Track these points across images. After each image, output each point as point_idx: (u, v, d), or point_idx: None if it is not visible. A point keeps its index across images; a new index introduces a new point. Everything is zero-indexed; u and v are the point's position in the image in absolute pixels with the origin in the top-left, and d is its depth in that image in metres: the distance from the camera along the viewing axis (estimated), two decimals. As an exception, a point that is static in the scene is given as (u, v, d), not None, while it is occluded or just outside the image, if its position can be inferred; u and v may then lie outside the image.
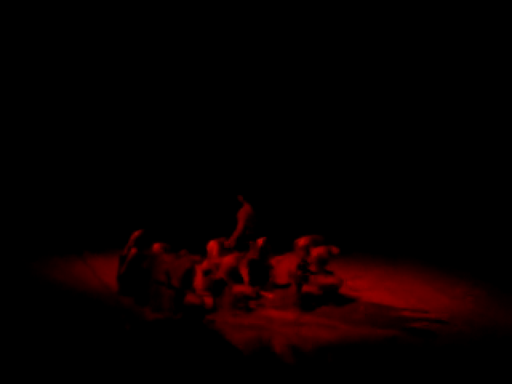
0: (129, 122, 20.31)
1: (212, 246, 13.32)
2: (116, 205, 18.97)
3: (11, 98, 19.64)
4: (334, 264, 13.41)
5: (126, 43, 20.06)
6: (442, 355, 10.38)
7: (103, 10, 19.74)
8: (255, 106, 20.78)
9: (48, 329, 10.94)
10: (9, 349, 10.12)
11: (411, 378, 9.66)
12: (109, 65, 20.08)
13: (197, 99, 20.64)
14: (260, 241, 13.38)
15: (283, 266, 12.36)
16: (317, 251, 12.74)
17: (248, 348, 10.54)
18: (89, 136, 20.11)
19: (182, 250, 12.54)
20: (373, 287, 13.94)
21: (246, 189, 14.12)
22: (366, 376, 9.66)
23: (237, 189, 13.83)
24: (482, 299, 13.33)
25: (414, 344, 10.82)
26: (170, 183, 19.74)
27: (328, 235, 13.79)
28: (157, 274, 12.10)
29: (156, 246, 12.75)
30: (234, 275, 12.36)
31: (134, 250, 12.77)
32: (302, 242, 12.95)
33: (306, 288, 12.42)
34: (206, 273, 12.74)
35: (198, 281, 12.69)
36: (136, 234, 13.05)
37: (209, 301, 12.19)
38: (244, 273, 12.65)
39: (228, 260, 12.39)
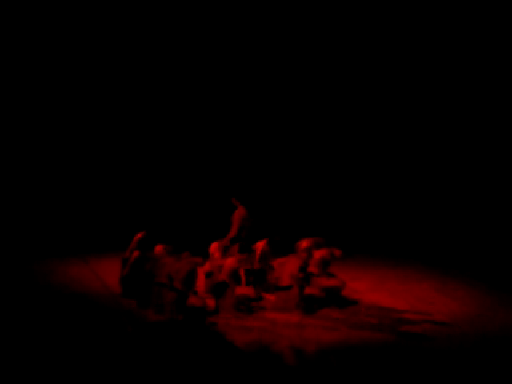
0: (131, 123, 20.30)
1: (214, 247, 13.33)
2: (118, 207, 18.97)
3: (11, 97, 19.61)
4: (336, 266, 13.42)
5: (126, 43, 20.04)
6: (443, 356, 10.40)
7: (103, 10, 19.72)
8: (255, 108, 20.78)
9: (50, 331, 10.94)
10: (10, 351, 10.12)
11: (413, 380, 9.67)
12: (109, 65, 20.06)
13: (196, 102, 20.64)
14: (261, 243, 13.41)
15: (285, 269, 12.38)
16: (320, 253, 12.74)
17: (250, 350, 10.54)
18: (90, 138, 20.09)
19: (184, 252, 12.56)
20: (374, 289, 13.97)
21: (246, 191, 14.15)
22: (368, 378, 9.67)
23: (234, 191, 13.81)
24: (482, 300, 13.34)
25: (415, 345, 10.82)
26: (171, 185, 19.73)
27: (329, 237, 13.80)
28: (159, 276, 12.10)
29: (158, 248, 12.75)
30: (236, 277, 12.38)
31: (136, 253, 12.78)
32: (304, 244, 12.94)
33: (308, 290, 12.44)
34: (208, 275, 12.76)
35: (201, 283, 12.72)
36: (138, 236, 13.07)
37: (211, 303, 12.21)
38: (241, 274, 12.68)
39: (230, 262, 12.40)
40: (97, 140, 20.11)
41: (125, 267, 12.89)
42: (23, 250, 16.03)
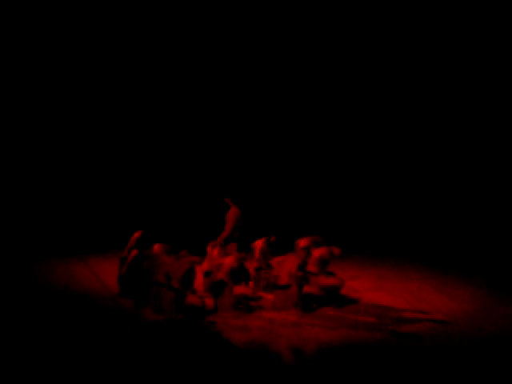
0: (129, 124, 20.28)
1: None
2: (117, 207, 18.96)
3: (11, 98, 19.59)
4: (334, 265, 13.40)
5: (126, 43, 20.01)
6: (442, 355, 10.38)
7: (103, 9, 19.69)
8: (252, 107, 20.76)
9: (49, 330, 10.92)
10: (10, 350, 10.10)
11: (412, 379, 9.66)
12: (109, 65, 20.04)
13: (194, 103, 20.63)
14: (259, 242, 13.39)
15: (284, 267, 12.36)
16: (319, 252, 12.72)
17: (249, 349, 10.52)
18: (89, 138, 20.07)
19: (182, 251, 12.53)
20: (373, 288, 13.94)
21: (244, 191, 14.14)
22: (367, 377, 9.66)
23: (227, 191, 13.78)
24: (482, 299, 13.34)
25: (414, 344, 10.81)
26: (169, 184, 19.71)
27: (328, 236, 13.78)
28: (157, 275, 12.08)
29: (156, 247, 12.73)
30: (235, 276, 12.35)
31: (134, 252, 12.75)
32: (302, 243, 12.93)
33: (307, 289, 12.42)
34: (207, 274, 12.73)
35: (199, 282, 12.69)
36: (136, 235, 13.03)
37: (209, 302, 12.18)
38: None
39: (229, 261, 12.38)
40: (97, 140, 20.09)
41: (123, 266, 12.86)
42: (23, 250, 16.01)
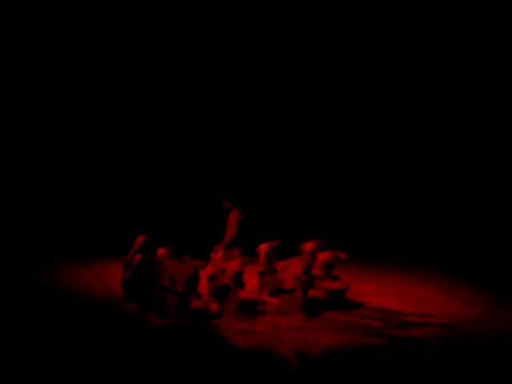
0: (134, 127, 20.29)
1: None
2: (121, 211, 18.96)
3: (12, 99, 19.59)
4: (340, 269, 13.36)
5: (126, 43, 20.01)
6: (448, 359, 10.33)
7: (103, 9, 19.70)
8: (256, 109, 20.75)
9: (53, 334, 10.90)
10: (13, 353, 10.08)
11: (417, 382, 9.61)
12: (109, 65, 20.03)
13: (197, 106, 20.63)
14: (264, 246, 13.35)
15: (289, 271, 12.31)
16: (324, 256, 12.68)
17: (253, 353, 10.48)
18: (94, 142, 20.09)
19: (186, 255, 12.50)
20: (378, 292, 13.90)
21: (248, 194, 14.10)
22: (372, 381, 9.60)
23: (226, 194, 13.70)
24: (487, 302, 13.29)
25: (420, 348, 10.76)
26: (173, 189, 19.71)
27: (333, 240, 13.74)
28: (161, 279, 12.05)
29: (161, 251, 12.70)
30: (239, 280, 12.31)
31: (138, 256, 12.73)
32: (308, 246, 12.89)
33: (311, 293, 12.36)
34: (211, 278, 12.69)
35: (203, 286, 12.65)
36: (140, 239, 13.02)
37: (214, 306, 12.14)
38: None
39: (233, 265, 12.34)
40: (101, 145, 20.11)
41: (127, 270, 12.84)
42: (27, 254, 16.02)
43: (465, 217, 19.30)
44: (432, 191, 20.24)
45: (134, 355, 10.15)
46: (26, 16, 19.33)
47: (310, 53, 20.57)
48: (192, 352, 10.38)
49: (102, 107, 20.17)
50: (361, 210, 19.95)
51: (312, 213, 19.60)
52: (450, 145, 20.36)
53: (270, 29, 20.27)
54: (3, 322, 11.43)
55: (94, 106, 20.15)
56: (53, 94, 19.83)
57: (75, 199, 19.37)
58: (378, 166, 20.74)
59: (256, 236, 13.88)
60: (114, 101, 20.20)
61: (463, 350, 10.70)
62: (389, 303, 13.10)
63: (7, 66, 19.41)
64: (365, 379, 9.63)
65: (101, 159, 20.08)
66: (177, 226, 17.44)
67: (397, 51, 20.29)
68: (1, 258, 15.66)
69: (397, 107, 20.61)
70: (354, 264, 15.33)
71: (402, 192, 20.20)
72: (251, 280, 13.46)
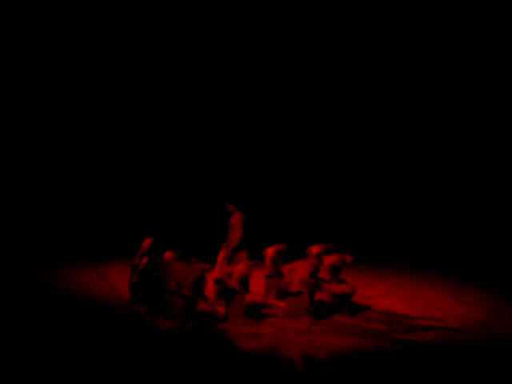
0: (141, 130, 20.33)
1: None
2: (127, 213, 18.99)
3: (12, 100, 19.62)
4: (346, 272, 13.35)
5: (126, 43, 20.03)
6: (456, 363, 10.30)
7: (103, 9, 19.73)
8: (263, 113, 20.77)
9: (59, 337, 10.92)
10: (19, 356, 10.10)
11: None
12: (109, 65, 20.05)
13: (205, 109, 20.65)
14: (271, 250, 13.35)
15: (295, 274, 12.30)
16: (330, 259, 12.67)
17: (260, 356, 10.47)
18: (101, 144, 20.13)
19: (192, 258, 12.51)
20: (385, 295, 13.88)
21: (255, 197, 14.09)
22: (379, 385, 9.61)
23: (227, 196, 13.69)
24: (495, 306, 13.25)
25: (427, 352, 10.73)
26: (180, 191, 19.74)
27: (340, 243, 13.73)
28: (168, 282, 12.06)
29: (168, 254, 12.71)
30: (246, 284, 12.31)
31: (145, 259, 12.75)
32: (314, 250, 12.88)
33: (318, 296, 12.36)
34: (218, 281, 12.70)
35: (210, 289, 12.66)
36: (147, 242, 13.03)
37: (221, 309, 12.15)
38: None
39: (240, 268, 12.34)
40: (108, 147, 20.14)
41: (134, 274, 12.86)
42: (33, 257, 16.05)
43: (473, 221, 19.27)
44: (440, 195, 20.22)
45: (141, 358, 10.16)
46: (26, 16, 19.35)
47: (310, 53, 20.57)
48: (199, 355, 10.38)
49: (110, 111, 20.21)
50: (368, 213, 19.93)
51: (319, 216, 19.59)
52: (459, 148, 20.34)
53: (270, 29, 20.27)
54: (10, 324, 11.46)
55: (102, 109, 20.19)
56: (55, 96, 19.86)
57: (83, 202, 19.40)
58: (386, 169, 20.73)
59: (263, 239, 13.88)
60: (123, 105, 20.24)
61: (471, 353, 10.66)
62: (396, 306, 13.08)
63: (7, 66, 19.42)
64: (372, 383, 9.62)
65: (108, 162, 20.11)
66: (183, 229, 17.45)
67: (397, 51, 20.28)
68: (9, 260, 15.70)
69: (405, 110, 20.61)
70: (361, 267, 15.33)
71: (410, 195, 20.18)
72: (258, 283, 13.48)
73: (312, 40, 20.41)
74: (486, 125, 20.05)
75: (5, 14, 19.10)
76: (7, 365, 9.75)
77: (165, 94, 20.38)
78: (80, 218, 18.89)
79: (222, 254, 13.21)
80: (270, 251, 13.32)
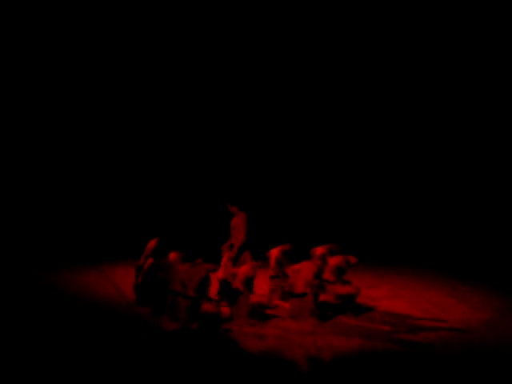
0: (144, 131, 20.35)
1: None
2: (132, 214, 19.01)
3: (12, 100, 19.64)
4: (351, 273, 13.36)
5: (126, 43, 20.04)
6: (460, 364, 10.30)
7: (103, 9, 19.74)
8: (267, 115, 20.78)
9: (64, 338, 10.94)
10: (23, 357, 10.12)
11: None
12: (109, 65, 20.06)
13: (208, 109, 20.65)
14: (275, 251, 13.37)
15: (300, 276, 12.32)
16: (335, 260, 12.68)
17: (264, 357, 10.49)
18: (105, 145, 20.16)
19: (197, 258, 12.52)
20: (389, 296, 13.89)
21: (259, 198, 14.09)
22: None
23: (229, 197, 13.70)
24: (498, 307, 13.26)
25: (431, 353, 10.74)
26: (185, 192, 19.76)
27: (344, 244, 13.74)
28: (173, 283, 12.08)
29: (173, 255, 12.73)
30: (250, 285, 12.33)
31: (150, 260, 12.76)
32: (318, 251, 12.90)
33: (322, 297, 12.38)
34: (222, 282, 12.70)
35: (214, 290, 12.68)
36: (152, 243, 13.05)
37: (225, 310, 12.17)
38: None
39: (244, 269, 12.36)
40: (112, 148, 20.17)
41: (139, 275, 12.88)
42: (38, 258, 16.07)
43: (475, 221, 19.27)
44: (442, 196, 20.22)
45: (145, 359, 10.18)
46: (26, 16, 19.37)
47: (310, 53, 20.57)
48: (203, 356, 10.40)
49: (116, 112, 20.24)
50: (371, 214, 19.94)
51: (323, 217, 19.60)
52: (459, 149, 20.34)
53: (270, 29, 20.27)
54: (14, 325, 11.49)
55: (106, 111, 20.22)
56: (56, 96, 19.86)
57: (86, 203, 19.43)
58: (388, 170, 20.73)
59: (267, 240, 13.90)
60: (128, 106, 20.26)
61: (476, 354, 10.66)
62: (399, 307, 13.09)
63: (7, 66, 19.44)
64: (376, 383, 9.63)
65: (112, 163, 20.14)
66: (188, 230, 17.47)
67: (397, 51, 20.28)
68: (12, 261, 15.74)
69: (406, 111, 20.61)
70: (365, 268, 15.34)
71: (412, 197, 20.18)
72: (262, 284, 13.49)
73: (312, 40, 20.41)
74: (485, 125, 20.05)
75: (5, 14, 19.12)
76: (9, 365, 9.79)
77: (170, 97, 20.41)
78: (85, 219, 18.92)
79: (226, 255, 13.22)
80: (274, 252, 13.33)
